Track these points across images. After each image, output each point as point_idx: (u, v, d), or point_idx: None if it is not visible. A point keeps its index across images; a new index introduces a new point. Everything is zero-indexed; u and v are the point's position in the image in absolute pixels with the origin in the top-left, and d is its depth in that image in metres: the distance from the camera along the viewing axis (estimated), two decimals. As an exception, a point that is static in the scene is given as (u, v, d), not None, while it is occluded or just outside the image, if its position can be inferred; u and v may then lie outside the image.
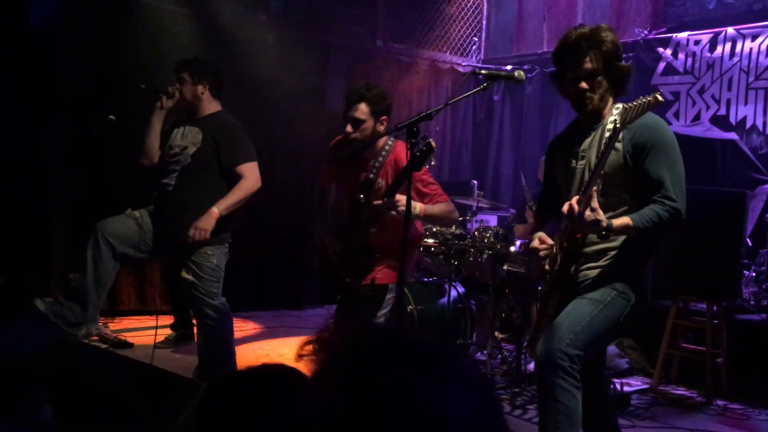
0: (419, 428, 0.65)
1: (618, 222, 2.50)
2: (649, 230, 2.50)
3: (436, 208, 3.55)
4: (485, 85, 3.07)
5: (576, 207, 2.46)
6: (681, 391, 4.72)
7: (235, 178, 3.86)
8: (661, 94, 2.40)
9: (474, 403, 0.69)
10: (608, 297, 2.59)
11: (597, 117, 2.68)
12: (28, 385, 2.35)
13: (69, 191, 5.16)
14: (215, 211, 3.76)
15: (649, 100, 2.35)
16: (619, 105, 2.50)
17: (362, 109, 3.50)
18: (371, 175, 3.62)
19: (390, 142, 3.64)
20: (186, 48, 5.34)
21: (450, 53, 7.60)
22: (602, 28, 2.65)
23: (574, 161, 2.72)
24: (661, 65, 6.54)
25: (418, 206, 3.43)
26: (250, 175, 3.86)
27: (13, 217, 4.78)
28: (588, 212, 2.43)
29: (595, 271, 2.65)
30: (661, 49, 6.53)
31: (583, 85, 2.63)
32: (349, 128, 3.52)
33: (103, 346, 4.60)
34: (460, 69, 7.55)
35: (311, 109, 6.25)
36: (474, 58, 7.76)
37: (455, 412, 0.67)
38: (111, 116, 4.03)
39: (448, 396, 0.67)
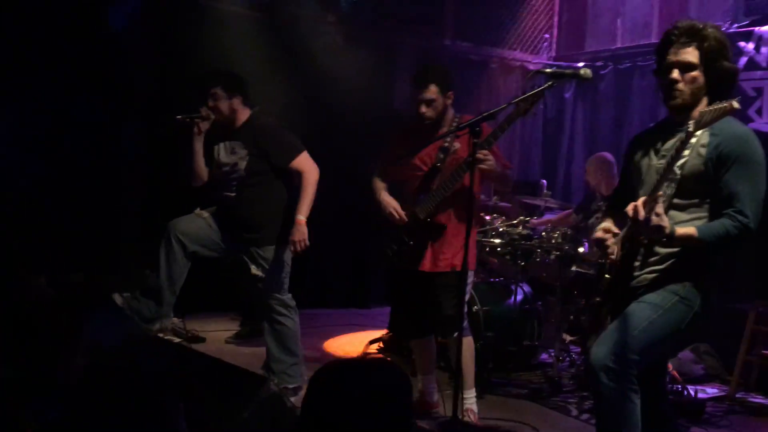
0: None
1: (682, 231, 2.42)
2: (713, 244, 2.42)
3: (501, 171, 3.73)
4: (550, 84, 3.03)
5: (641, 210, 2.40)
6: (759, 399, 4.52)
7: (291, 174, 3.96)
8: (738, 101, 2.31)
9: None
10: (669, 302, 2.50)
11: (686, 116, 2.56)
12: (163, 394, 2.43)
13: (144, 189, 5.36)
14: (301, 218, 3.87)
15: (724, 107, 2.27)
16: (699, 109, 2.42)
17: (432, 90, 3.74)
18: (446, 144, 3.79)
19: (458, 117, 3.84)
20: (254, 50, 5.46)
21: (520, 51, 7.50)
22: (709, 24, 2.56)
23: (654, 159, 2.63)
24: (743, 60, 6.26)
25: (498, 166, 3.66)
26: (307, 167, 3.94)
27: (92, 215, 5.00)
28: (653, 217, 2.36)
29: (657, 275, 2.57)
30: (742, 44, 6.26)
31: (675, 74, 2.54)
32: (422, 108, 3.76)
33: (177, 340, 4.75)
34: (531, 67, 7.44)
35: (378, 110, 6.28)
36: (545, 55, 7.64)
37: None
38: (179, 116, 4.13)
39: None
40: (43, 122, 4.82)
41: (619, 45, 7.15)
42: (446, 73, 3.86)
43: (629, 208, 2.45)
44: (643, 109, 6.67)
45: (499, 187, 4.81)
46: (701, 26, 2.54)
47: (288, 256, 4.04)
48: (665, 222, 2.37)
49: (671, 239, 2.41)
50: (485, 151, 3.51)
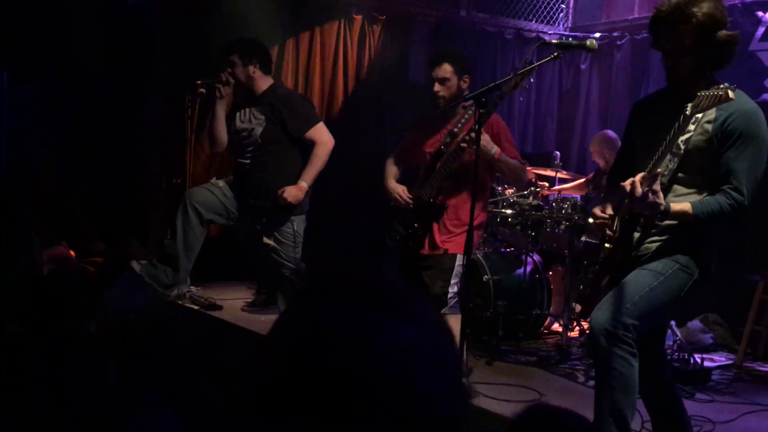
0: (385, 365, 0.70)
1: (677, 207, 2.47)
2: (707, 220, 2.47)
3: (511, 161, 3.72)
4: (555, 54, 3.07)
5: (638, 187, 2.44)
6: (766, 368, 4.57)
7: (305, 144, 4.04)
8: (733, 90, 2.34)
9: (435, 343, 0.75)
10: (670, 270, 2.56)
11: (688, 93, 2.55)
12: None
13: (164, 161, 5.48)
14: (303, 185, 3.97)
15: (720, 95, 2.32)
16: (702, 92, 2.43)
17: (446, 69, 3.76)
18: (456, 129, 3.81)
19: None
20: (267, 22, 5.49)
21: (536, 22, 7.45)
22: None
23: (655, 132, 2.65)
24: (761, 30, 6.19)
25: (495, 148, 3.64)
26: (321, 138, 4.03)
27: (114, 187, 5.13)
28: (649, 195, 2.41)
29: (658, 245, 2.63)
30: (760, 13, 6.19)
31: (667, 59, 2.58)
32: (436, 87, 3.79)
33: (195, 307, 4.89)
34: (547, 38, 7.40)
35: (393, 81, 6.31)
36: (561, 26, 7.59)
37: (419, 350, 0.73)
38: (201, 89, 4.23)
39: (411, 336, 0.73)
40: (66, 95, 4.93)
41: (636, 15, 7.08)
42: (463, 56, 3.88)
43: (627, 183, 2.50)
44: (660, 80, 6.59)
45: (511, 181, 4.75)
46: (688, 4, 2.48)
47: (301, 227, 4.15)
48: (661, 199, 2.42)
49: (665, 215, 2.46)
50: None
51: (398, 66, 6.45)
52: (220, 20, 5.29)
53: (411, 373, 0.71)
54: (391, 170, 4.04)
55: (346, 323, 0.72)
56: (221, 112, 4.18)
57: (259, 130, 4.06)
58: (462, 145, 3.54)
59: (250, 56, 4.08)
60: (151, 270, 4.28)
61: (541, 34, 7.47)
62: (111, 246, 4.75)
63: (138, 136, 5.35)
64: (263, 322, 4.90)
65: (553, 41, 3.17)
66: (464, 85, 3.81)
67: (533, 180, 5.24)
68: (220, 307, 5.14)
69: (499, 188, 5.21)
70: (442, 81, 3.75)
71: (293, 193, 3.96)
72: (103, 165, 5.08)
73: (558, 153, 5.93)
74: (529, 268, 4.86)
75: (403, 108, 5.87)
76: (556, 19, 7.60)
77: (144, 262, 4.32)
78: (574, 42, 3.12)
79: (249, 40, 4.25)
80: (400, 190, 3.90)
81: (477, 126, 3.07)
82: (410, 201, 3.85)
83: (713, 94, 2.33)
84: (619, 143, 5.14)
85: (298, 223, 4.12)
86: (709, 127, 2.50)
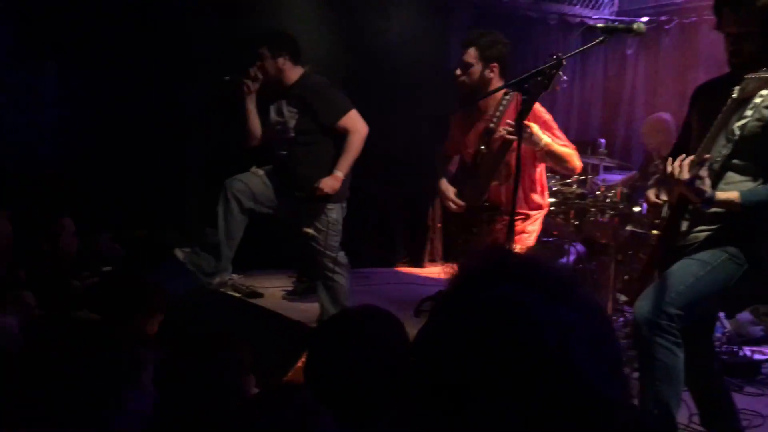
0: (543, 345, 0.72)
1: (723, 196, 2.39)
2: (757, 210, 2.39)
3: (561, 148, 3.55)
4: (601, 39, 2.98)
5: (685, 170, 2.38)
6: (819, 362, 4.42)
7: (339, 133, 4.02)
8: None
9: (595, 327, 0.76)
10: (718, 260, 2.48)
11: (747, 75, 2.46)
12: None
13: (204, 149, 5.52)
14: (339, 174, 3.96)
15: (765, 77, 2.24)
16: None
17: (471, 53, 3.63)
18: (491, 125, 3.67)
19: (509, 95, 3.65)
20: (305, 9, 5.48)
21: (580, 6, 7.30)
22: None
23: (711, 117, 2.56)
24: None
25: (544, 139, 3.45)
26: (354, 126, 4.00)
27: (154, 174, 5.19)
28: (696, 180, 2.35)
29: (707, 234, 2.54)
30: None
31: (729, 43, 2.49)
32: (458, 71, 3.68)
33: (236, 295, 4.94)
34: (591, 23, 7.25)
35: (431, 69, 6.24)
36: (606, 10, 7.42)
37: (579, 331, 0.74)
38: (226, 77, 4.23)
39: (572, 316, 0.75)
40: (108, 84, 5.00)
41: (684, -2, 6.89)
42: (493, 42, 3.66)
43: (674, 168, 2.43)
44: (709, 66, 6.42)
45: (563, 170, 4.64)
46: None
47: (339, 215, 4.14)
48: (706, 186, 2.36)
49: (710, 203, 2.39)
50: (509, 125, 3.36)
51: (437, 54, 6.38)
52: (257, 11, 5.30)
53: (571, 350, 0.72)
54: (443, 168, 3.98)
55: (509, 301, 0.75)
56: (252, 107, 4.19)
57: (292, 122, 4.06)
58: (507, 137, 3.40)
59: (278, 48, 4.07)
60: (193, 258, 4.33)
61: (585, 19, 7.32)
62: (150, 233, 4.81)
63: (179, 125, 5.40)
64: (303, 310, 4.92)
65: (599, 25, 3.07)
66: (490, 75, 3.63)
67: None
68: (261, 295, 5.18)
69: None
70: (465, 66, 3.62)
71: (329, 183, 3.95)
72: (144, 154, 5.14)
73: (603, 140, 5.81)
74: (572, 258, 4.78)
75: (441, 97, 5.80)
76: (601, 3, 7.43)
77: (187, 249, 4.37)
78: (621, 26, 3.03)
79: (277, 31, 4.25)
80: (450, 196, 3.79)
81: (521, 114, 2.99)
82: (461, 206, 3.77)
83: (761, 77, 2.25)
84: (673, 127, 5.05)
85: (336, 212, 4.11)
86: (766, 112, 2.41)
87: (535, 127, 3.41)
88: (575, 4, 7.28)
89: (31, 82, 4.93)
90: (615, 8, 7.46)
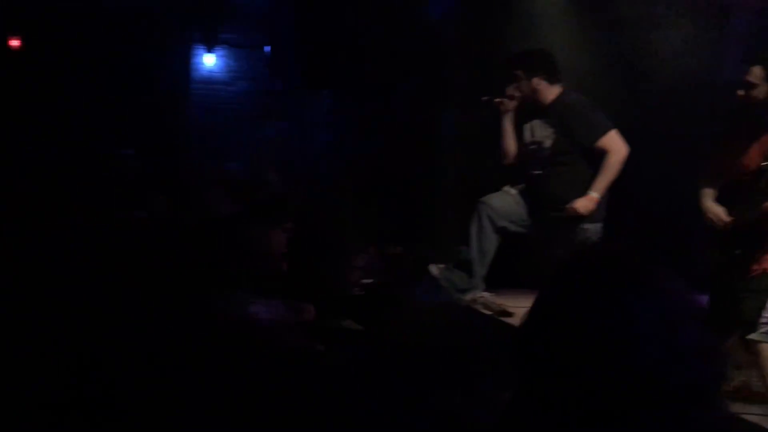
0: (609, 327, 0.80)
1: None
2: None
3: None
4: None
5: None
6: None
7: (597, 154, 3.89)
8: None
9: (670, 314, 0.83)
10: None
11: None
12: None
13: (459, 169, 5.69)
14: (594, 195, 3.88)
15: None
16: None
17: (756, 73, 3.30)
18: None
19: None
20: (564, 28, 5.40)
21: None
22: None
23: None
24: None
25: None
26: (613, 147, 3.86)
27: (411, 193, 5.47)
28: None
29: None
30: None
31: None
32: (740, 92, 3.38)
33: (487, 312, 4.99)
34: None
35: (703, 81, 5.77)
36: None
37: (645, 318, 0.81)
38: (485, 97, 4.32)
39: (636, 305, 0.82)
40: (371, 109, 5.39)
41: None
42: None
43: None
44: None
45: None
46: None
47: (595, 236, 4.02)
48: None
49: None
50: None
51: (708, 64, 5.89)
52: (516, 32, 5.35)
53: (637, 337, 0.80)
54: (707, 190, 3.68)
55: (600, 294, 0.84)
56: (509, 126, 4.22)
57: (548, 142, 4.03)
58: None
59: (534, 69, 4.06)
60: (447, 274, 4.47)
61: None
62: (406, 250, 5.06)
63: (436, 147, 5.63)
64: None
65: None
66: None
67: None
68: (511, 314, 5.17)
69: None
70: (748, 86, 3.30)
71: (583, 204, 3.86)
72: (404, 173, 5.43)
73: None
74: None
75: (707, 112, 5.35)
76: None
77: (441, 266, 4.53)
78: None
79: (532, 51, 4.24)
80: (717, 211, 3.51)
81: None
82: (728, 223, 3.47)
83: None
84: None
85: (592, 232, 4.00)
86: None
87: None
88: None
89: (308, 109, 5.49)
90: None
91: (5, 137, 7.29)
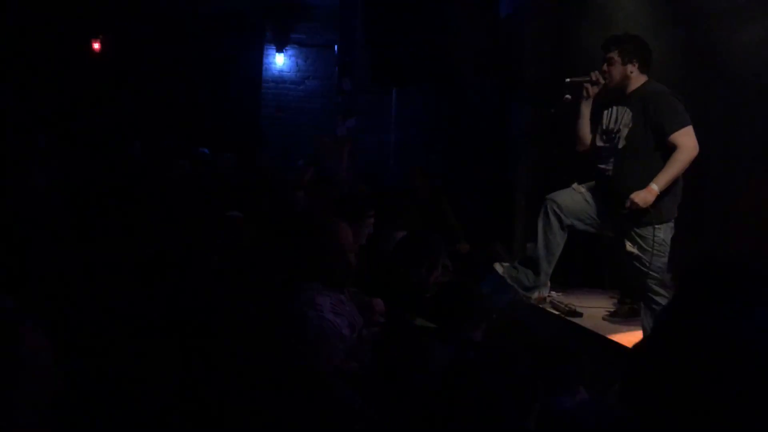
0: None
1: None
2: None
3: None
4: None
5: None
6: None
7: (670, 148, 3.77)
8: None
9: None
10: None
11: None
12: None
13: (529, 167, 5.62)
14: (654, 188, 3.77)
15: None
16: None
17: None
18: None
19: None
20: (636, 26, 5.25)
21: None
22: None
23: None
24: None
25: None
26: (684, 143, 3.73)
27: (480, 190, 5.44)
28: None
29: None
30: None
31: None
32: None
33: (555, 312, 4.91)
34: None
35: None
36: None
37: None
38: (567, 96, 4.24)
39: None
40: (438, 105, 5.39)
41: None
42: None
43: None
44: None
45: None
46: None
47: (667, 235, 3.91)
48: None
49: None
50: None
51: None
52: (588, 30, 5.23)
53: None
54: None
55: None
56: (586, 111, 4.13)
57: (624, 131, 3.92)
58: None
59: (631, 55, 3.95)
60: (512, 272, 4.41)
61: None
62: (476, 247, 5.03)
63: (505, 143, 5.58)
64: (625, 333, 4.70)
65: None
66: None
67: None
68: (580, 314, 5.07)
69: None
70: None
71: (641, 196, 3.74)
72: (472, 170, 5.41)
73: None
74: None
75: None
76: None
77: (506, 264, 4.48)
78: None
79: (632, 36, 4.09)
80: None
81: None
82: None
83: None
84: None
85: (663, 231, 3.87)
86: None
87: None
88: None
89: (378, 107, 5.53)
90: None
91: (92, 135, 7.63)
